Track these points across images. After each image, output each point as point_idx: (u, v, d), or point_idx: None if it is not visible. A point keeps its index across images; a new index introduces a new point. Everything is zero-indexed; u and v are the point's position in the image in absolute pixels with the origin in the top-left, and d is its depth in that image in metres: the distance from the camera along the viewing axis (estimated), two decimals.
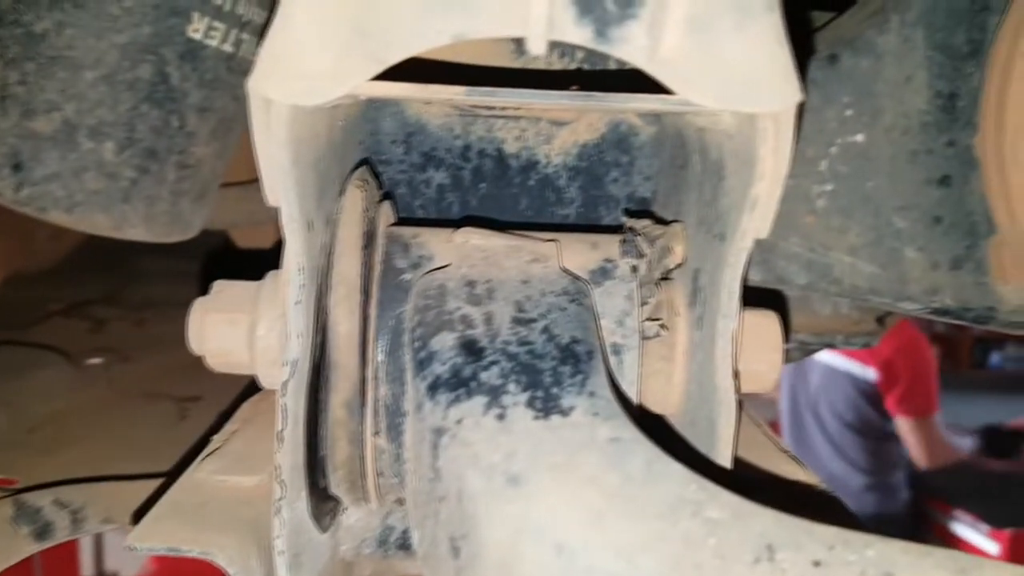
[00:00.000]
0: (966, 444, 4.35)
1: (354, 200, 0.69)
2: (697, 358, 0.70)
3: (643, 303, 0.72)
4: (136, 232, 1.09)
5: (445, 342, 0.60)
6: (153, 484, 1.15)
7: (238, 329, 0.74)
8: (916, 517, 4.87)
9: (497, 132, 0.89)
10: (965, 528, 4.90)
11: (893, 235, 1.00)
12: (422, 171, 0.91)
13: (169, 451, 1.44)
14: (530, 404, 0.54)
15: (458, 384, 0.56)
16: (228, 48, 1.06)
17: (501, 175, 0.91)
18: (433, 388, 0.57)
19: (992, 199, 0.92)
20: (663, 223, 0.77)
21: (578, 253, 0.73)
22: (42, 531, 1.06)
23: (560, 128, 0.89)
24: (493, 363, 0.57)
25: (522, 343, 0.59)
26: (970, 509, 4.86)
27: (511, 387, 0.55)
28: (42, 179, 1.00)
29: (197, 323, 0.75)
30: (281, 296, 0.68)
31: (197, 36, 1.02)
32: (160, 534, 0.66)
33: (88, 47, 0.99)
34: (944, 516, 5.01)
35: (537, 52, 0.46)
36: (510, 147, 0.90)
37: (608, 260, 0.72)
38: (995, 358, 10.51)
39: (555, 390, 0.55)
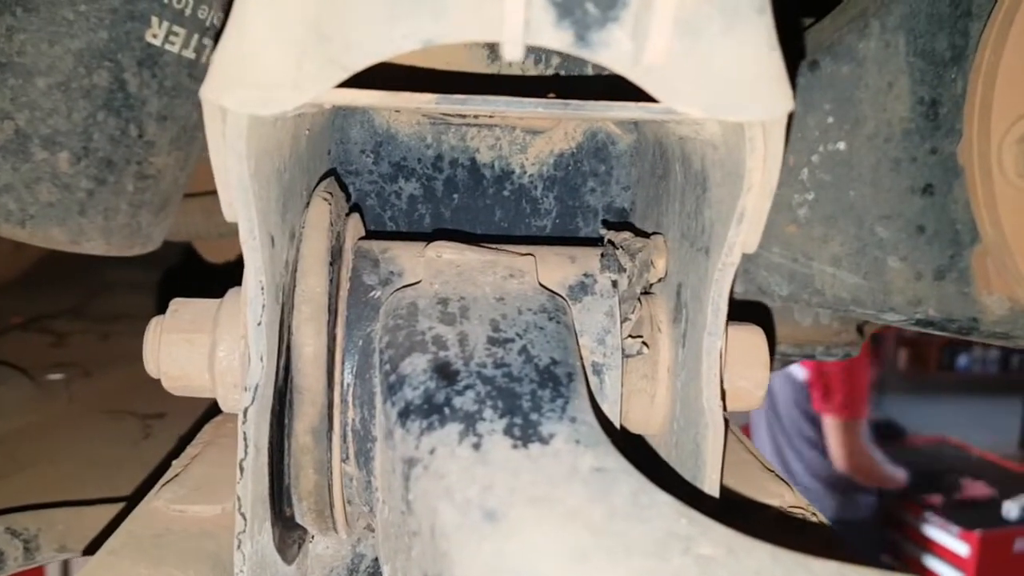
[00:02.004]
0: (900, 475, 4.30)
1: (320, 213, 0.66)
2: (681, 377, 0.67)
3: (624, 319, 0.69)
4: (94, 246, 1.04)
5: (417, 365, 0.56)
6: (112, 509, 1.10)
7: (197, 350, 0.70)
8: (886, 519, 4.88)
9: (470, 141, 0.86)
10: (936, 530, 4.92)
11: (876, 245, 0.97)
12: (392, 182, 0.88)
13: (131, 472, 1.38)
14: (508, 432, 0.51)
15: (431, 411, 0.53)
16: (189, 54, 1.01)
17: (475, 186, 0.87)
18: (404, 415, 0.53)
19: (976, 208, 0.90)
20: (643, 235, 0.74)
21: (556, 267, 0.70)
22: None
23: (536, 137, 0.85)
24: (468, 387, 0.53)
25: (498, 365, 0.56)
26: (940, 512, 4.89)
27: (487, 413, 0.52)
28: None
29: (153, 344, 0.71)
30: (242, 316, 0.64)
31: (156, 42, 0.98)
32: (114, 570, 0.62)
33: (40, 53, 0.94)
34: (915, 519, 5.03)
35: (512, 58, 0.43)
36: (484, 156, 0.86)
37: (587, 275, 0.69)
38: (963, 360, 10.63)
39: (534, 416, 0.52)
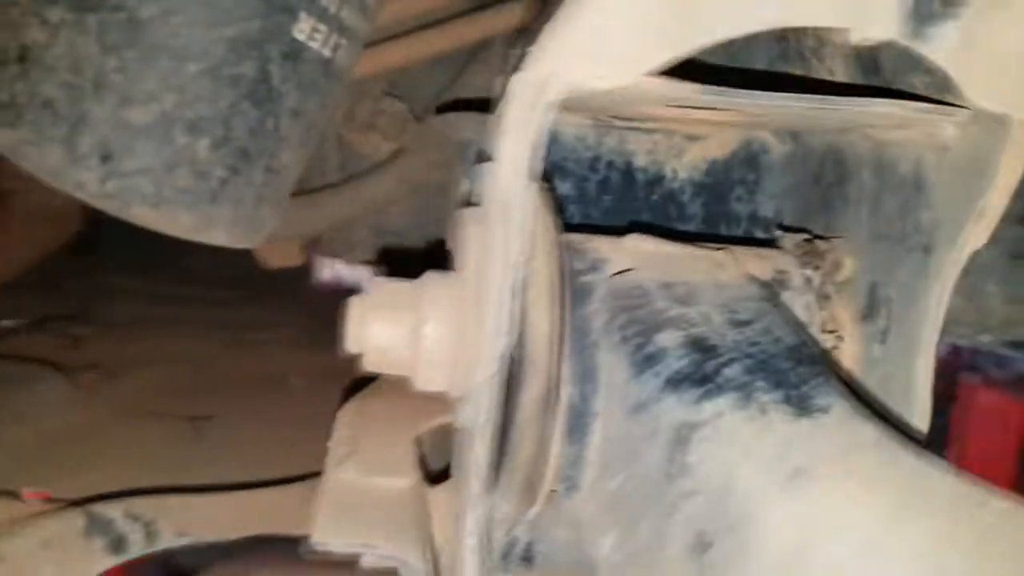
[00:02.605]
0: None
1: (546, 200, 0.68)
2: (877, 373, 0.70)
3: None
4: (216, 235, 1.04)
5: (673, 339, 0.59)
6: (222, 498, 1.09)
7: (400, 328, 0.71)
8: None
9: (629, 144, 0.89)
10: None
11: (976, 269, 1.03)
12: (547, 181, 0.91)
13: (197, 471, 1.37)
14: (786, 401, 0.54)
15: (704, 379, 0.55)
16: (327, 53, 1.03)
17: (627, 188, 0.91)
18: (673, 383, 0.56)
19: None
20: (818, 238, 0.78)
21: (749, 263, 0.73)
22: (116, 544, 0.99)
23: (692, 143, 0.89)
24: (732, 360, 0.56)
25: (751, 343, 0.59)
26: None
27: (759, 384, 0.55)
28: (131, 172, 0.95)
29: (357, 320, 0.72)
30: (473, 293, 0.66)
31: (301, 37, 1.00)
32: (341, 532, 0.63)
33: (195, 38, 0.95)
34: None
35: (855, 43, 0.47)
36: (639, 160, 0.90)
37: (781, 271, 0.73)
38: None
39: (804, 388, 0.55)
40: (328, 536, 0.62)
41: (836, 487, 0.49)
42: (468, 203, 0.74)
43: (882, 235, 0.71)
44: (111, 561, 0.98)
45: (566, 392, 0.67)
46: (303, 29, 1.00)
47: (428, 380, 0.72)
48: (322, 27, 1.01)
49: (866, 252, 0.73)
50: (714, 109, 0.73)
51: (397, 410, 0.96)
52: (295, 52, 1.00)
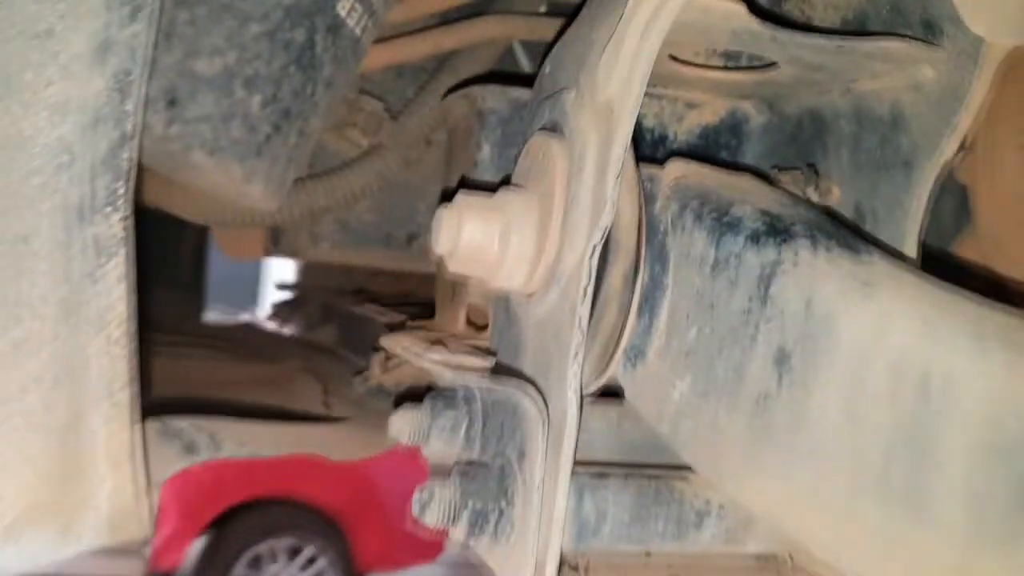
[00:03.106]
0: None
1: None
2: None
3: None
4: (254, 190, 1.13)
5: (744, 211, 0.76)
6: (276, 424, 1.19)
7: (492, 227, 0.85)
8: None
9: (641, 108, 1.07)
10: None
11: None
12: None
13: None
14: (844, 247, 0.71)
15: (779, 232, 0.72)
16: (358, 31, 1.16)
17: (636, 146, 1.08)
18: (753, 239, 0.73)
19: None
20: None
21: None
22: (189, 447, 1.05)
23: (691, 109, 1.08)
24: (796, 222, 0.74)
25: (805, 214, 0.76)
26: None
27: (820, 238, 0.72)
28: (194, 119, 1.05)
29: (453, 220, 0.85)
30: (554, 203, 0.80)
31: (343, 13, 1.13)
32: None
33: (258, 1, 1.06)
34: None
35: None
36: (648, 122, 1.08)
37: (789, 193, 0.92)
38: None
39: (852, 241, 0.73)
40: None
41: (898, 293, 0.67)
42: (545, 129, 0.89)
43: (863, 165, 0.91)
44: (186, 461, 1.04)
45: (645, 271, 0.83)
46: (345, 6, 1.13)
47: (510, 276, 0.85)
48: (359, 7, 1.15)
49: (849, 181, 0.93)
50: (734, 68, 0.92)
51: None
52: (336, 26, 1.13)
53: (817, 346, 0.68)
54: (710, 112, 1.10)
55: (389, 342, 1.11)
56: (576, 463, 0.74)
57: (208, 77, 1.05)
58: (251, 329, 3.60)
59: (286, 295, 3.85)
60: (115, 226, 0.91)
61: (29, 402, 0.92)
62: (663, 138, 1.09)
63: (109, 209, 0.90)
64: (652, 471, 0.84)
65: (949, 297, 0.67)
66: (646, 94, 0.99)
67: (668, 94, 1.07)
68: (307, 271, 3.77)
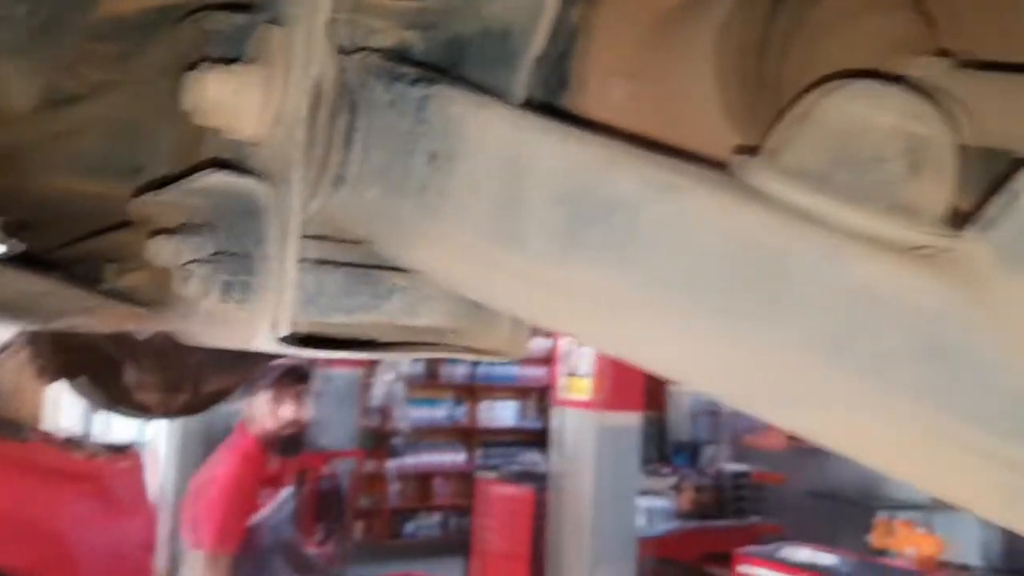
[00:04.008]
0: None
1: None
2: None
3: None
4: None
5: (405, 68, 1.14)
6: None
7: (228, 86, 1.15)
8: None
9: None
10: None
11: None
12: None
13: None
14: (466, 87, 1.11)
15: (428, 78, 1.11)
16: None
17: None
18: (413, 81, 1.11)
19: None
20: None
21: None
22: None
23: (373, 34, 1.45)
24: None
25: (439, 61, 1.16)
26: None
27: (456, 82, 1.12)
28: None
29: (197, 81, 1.14)
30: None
31: None
32: None
33: None
34: None
35: None
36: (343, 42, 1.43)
37: None
38: (410, 527, 11.83)
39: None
40: None
41: (496, 109, 1.08)
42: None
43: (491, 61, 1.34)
44: None
45: (342, 119, 1.17)
46: None
47: (244, 124, 1.16)
48: None
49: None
50: None
51: None
52: None
53: (454, 147, 1.07)
54: (387, 38, 1.48)
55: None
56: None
57: None
58: None
59: None
60: None
61: None
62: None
63: None
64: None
65: (530, 115, 1.10)
66: (341, 21, 1.35)
67: (353, 19, 1.43)
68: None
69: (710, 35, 1.35)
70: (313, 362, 4.59)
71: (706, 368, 0.96)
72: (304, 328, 1.13)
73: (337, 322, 1.17)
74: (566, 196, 1.00)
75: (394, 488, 11.78)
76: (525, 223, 1.04)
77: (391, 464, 11.64)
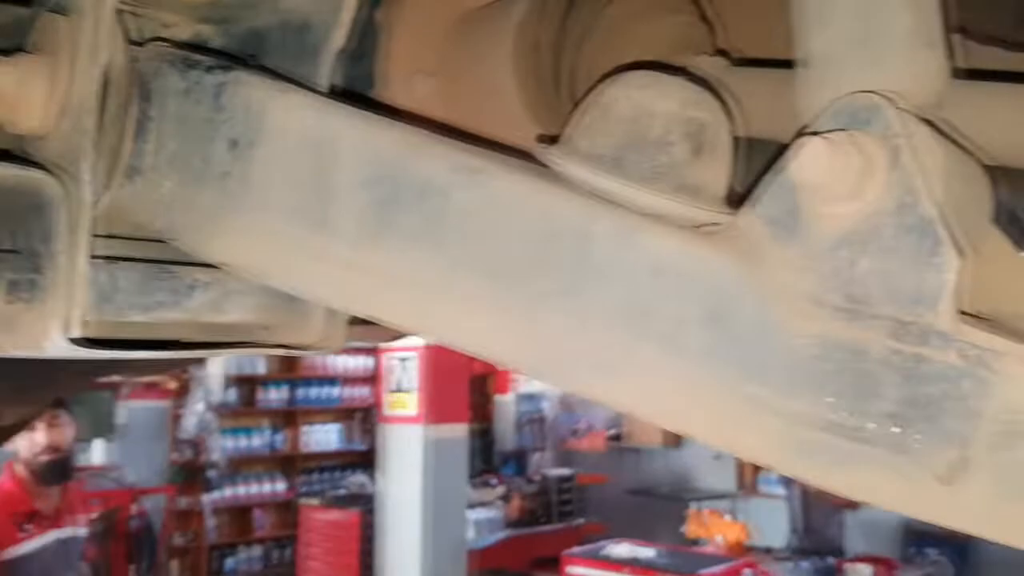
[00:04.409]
0: None
1: None
2: None
3: None
4: None
5: (202, 57, 1.10)
6: None
7: (8, 77, 1.07)
8: None
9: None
10: None
11: None
12: None
13: None
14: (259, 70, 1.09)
15: (224, 65, 1.08)
16: None
17: None
18: (208, 68, 1.07)
19: None
20: None
21: None
22: None
23: (167, 28, 1.40)
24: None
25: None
26: None
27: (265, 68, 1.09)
28: None
29: None
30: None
31: None
32: None
33: None
34: None
35: None
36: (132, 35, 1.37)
37: None
38: (230, 562, 11.39)
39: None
40: None
41: (297, 96, 1.06)
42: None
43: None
44: None
45: (135, 108, 1.12)
46: None
47: (28, 115, 1.08)
48: None
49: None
50: None
51: None
52: None
53: (256, 133, 1.05)
54: (182, 31, 1.42)
55: None
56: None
57: None
58: None
59: None
60: None
61: None
62: None
63: None
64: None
65: (334, 102, 1.09)
66: (130, 12, 1.30)
67: (147, 13, 1.37)
68: None
69: (509, 34, 1.40)
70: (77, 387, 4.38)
71: (518, 346, 0.99)
72: (99, 329, 1.07)
73: (135, 321, 1.11)
74: (375, 180, 1.01)
75: (211, 523, 11.17)
76: (334, 208, 1.03)
77: (206, 498, 11.05)
